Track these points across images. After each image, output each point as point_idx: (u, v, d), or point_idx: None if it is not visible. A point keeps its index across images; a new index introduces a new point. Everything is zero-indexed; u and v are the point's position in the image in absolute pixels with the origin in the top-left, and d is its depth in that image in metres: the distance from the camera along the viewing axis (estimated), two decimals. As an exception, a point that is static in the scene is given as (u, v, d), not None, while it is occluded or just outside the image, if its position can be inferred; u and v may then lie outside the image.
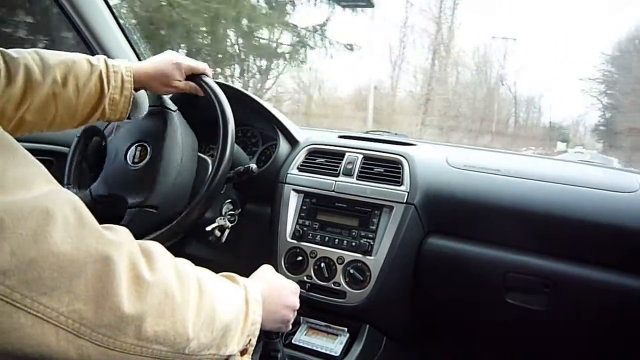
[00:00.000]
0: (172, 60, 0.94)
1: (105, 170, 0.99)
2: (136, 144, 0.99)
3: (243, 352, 0.59)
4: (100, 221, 0.44)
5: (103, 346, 0.41)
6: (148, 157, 0.96)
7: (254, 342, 0.60)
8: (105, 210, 0.98)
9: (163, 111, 1.00)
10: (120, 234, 0.45)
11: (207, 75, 0.99)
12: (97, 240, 0.41)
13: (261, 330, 0.61)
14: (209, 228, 1.05)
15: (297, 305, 0.74)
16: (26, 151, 0.40)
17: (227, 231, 1.08)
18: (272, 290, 0.68)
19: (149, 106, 1.04)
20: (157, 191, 0.93)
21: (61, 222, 0.38)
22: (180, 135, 0.99)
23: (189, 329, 0.49)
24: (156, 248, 0.50)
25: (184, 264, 0.53)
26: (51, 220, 0.37)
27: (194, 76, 0.99)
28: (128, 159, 0.98)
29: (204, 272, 0.57)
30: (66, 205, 0.40)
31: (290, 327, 0.74)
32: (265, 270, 0.74)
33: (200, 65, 0.98)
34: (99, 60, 0.87)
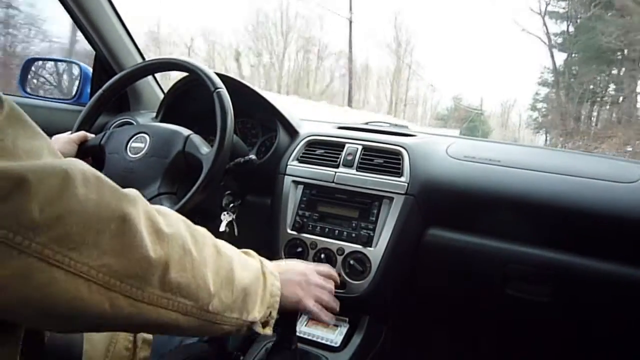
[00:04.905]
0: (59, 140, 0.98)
1: (107, 167, 0.98)
2: (135, 136, 0.99)
3: (265, 325, 0.60)
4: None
5: (132, 298, 0.43)
6: (148, 144, 0.96)
7: (274, 314, 0.61)
8: None
9: None
10: (132, 191, 0.47)
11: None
12: (116, 197, 0.43)
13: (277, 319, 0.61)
14: (222, 229, 1.05)
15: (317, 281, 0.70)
16: (34, 123, 0.41)
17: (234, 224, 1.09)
18: (287, 268, 0.68)
19: None
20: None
21: (81, 180, 0.40)
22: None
23: (210, 284, 0.50)
24: (166, 209, 0.52)
25: (198, 227, 0.55)
26: (72, 179, 0.39)
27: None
28: (129, 152, 0.97)
29: (220, 240, 0.58)
30: (82, 166, 0.41)
31: (306, 307, 0.67)
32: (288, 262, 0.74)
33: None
34: None
